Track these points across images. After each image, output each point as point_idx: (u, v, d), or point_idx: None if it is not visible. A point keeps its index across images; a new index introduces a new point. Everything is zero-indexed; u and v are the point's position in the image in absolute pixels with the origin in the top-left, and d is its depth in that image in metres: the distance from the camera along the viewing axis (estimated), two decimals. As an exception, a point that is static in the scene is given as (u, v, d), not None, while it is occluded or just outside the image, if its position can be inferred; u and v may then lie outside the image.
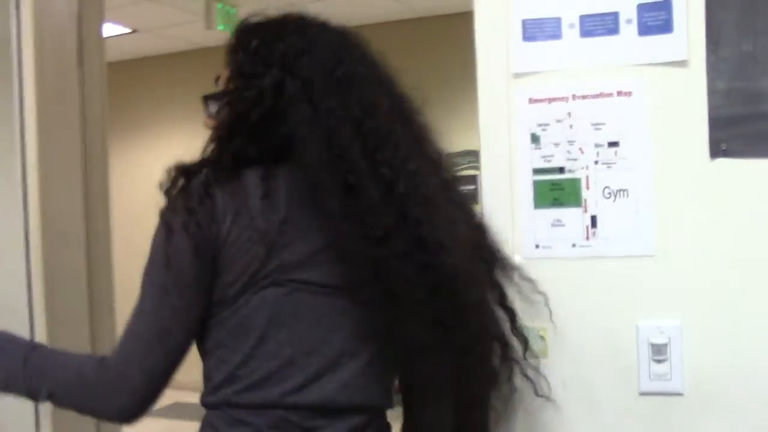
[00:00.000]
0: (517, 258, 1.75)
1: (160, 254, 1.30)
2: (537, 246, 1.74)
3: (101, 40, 2.56)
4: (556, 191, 1.72)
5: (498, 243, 1.64)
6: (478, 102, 1.80)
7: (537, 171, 1.74)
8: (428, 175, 1.38)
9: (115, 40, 6.72)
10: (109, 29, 6.27)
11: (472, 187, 6.26)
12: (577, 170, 1.72)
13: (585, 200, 1.71)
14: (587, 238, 1.71)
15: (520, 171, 1.75)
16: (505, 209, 1.76)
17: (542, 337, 1.73)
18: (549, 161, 1.73)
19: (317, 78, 1.32)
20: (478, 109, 1.80)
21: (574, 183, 1.71)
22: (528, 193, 1.75)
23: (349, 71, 1.35)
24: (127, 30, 6.63)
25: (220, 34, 5.62)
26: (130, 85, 7.37)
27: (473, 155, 6.66)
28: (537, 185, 1.74)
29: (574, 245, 1.72)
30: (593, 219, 1.70)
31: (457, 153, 6.33)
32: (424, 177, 1.35)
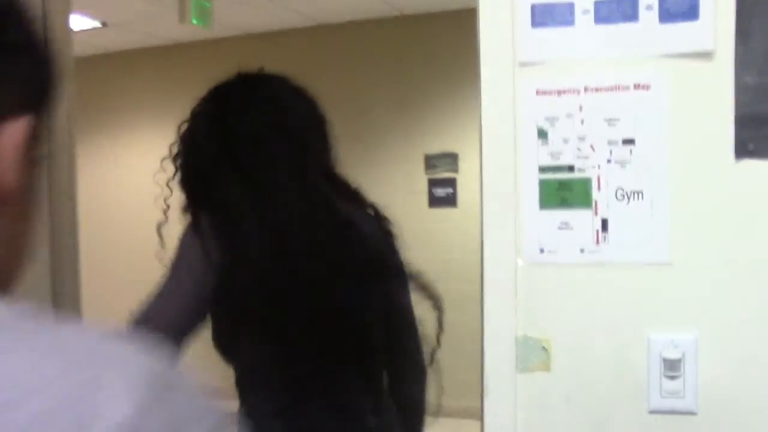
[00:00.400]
0: (519, 263, 1.62)
1: None
2: (542, 250, 1.61)
3: (69, 34, 2.39)
4: (564, 191, 1.59)
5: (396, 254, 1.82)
6: (480, 92, 1.66)
7: (544, 169, 1.61)
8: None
9: (83, 34, 6.49)
10: (78, 22, 6.00)
11: (450, 190, 6.17)
12: (588, 169, 1.58)
13: (595, 202, 1.58)
14: (597, 242, 1.58)
15: (525, 168, 1.62)
16: (508, 210, 1.62)
17: (545, 349, 1.60)
18: (557, 159, 1.60)
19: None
20: (479, 100, 1.66)
21: (584, 183, 1.58)
22: (533, 193, 1.61)
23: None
24: (97, 23, 6.40)
25: (194, 29, 5.45)
26: (99, 81, 7.13)
27: (451, 158, 6.59)
28: (543, 184, 1.61)
29: (582, 250, 1.59)
30: (604, 222, 1.57)
31: (435, 155, 6.24)
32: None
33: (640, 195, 1.56)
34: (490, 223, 1.64)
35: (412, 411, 1.92)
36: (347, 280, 1.72)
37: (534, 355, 1.60)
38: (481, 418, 1.65)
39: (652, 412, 1.55)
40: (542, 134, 1.60)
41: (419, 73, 6.16)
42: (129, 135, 7.37)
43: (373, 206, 1.85)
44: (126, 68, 7.32)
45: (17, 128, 0.56)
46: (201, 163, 1.74)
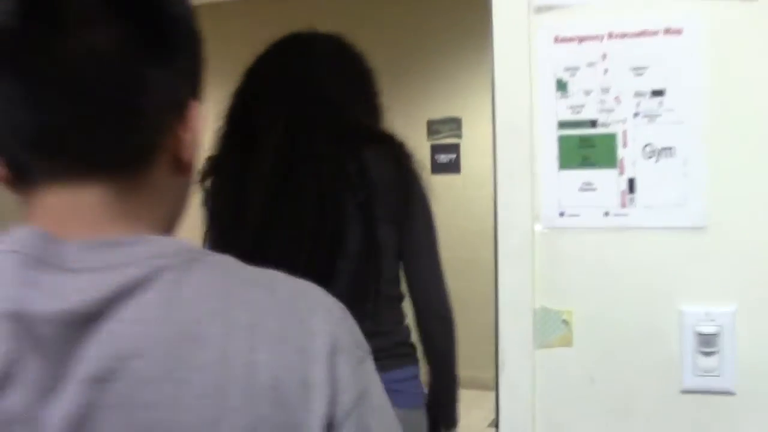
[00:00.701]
0: (537, 228, 1.46)
1: None
2: (562, 214, 1.46)
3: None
4: (587, 149, 1.44)
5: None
6: (491, 42, 1.50)
7: (563, 124, 1.46)
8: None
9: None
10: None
11: (453, 156, 5.96)
12: (613, 124, 1.43)
13: (621, 160, 1.43)
14: (623, 205, 1.43)
15: (543, 124, 1.47)
16: (524, 170, 1.47)
17: (566, 322, 1.45)
18: (578, 113, 1.45)
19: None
20: (491, 50, 1.50)
21: (609, 139, 1.43)
22: (552, 151, 1.46)
23: None
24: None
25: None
26: None
27: (455, 123, 6.39)
28: (563, 141, 1.46)
29: (606, 214, 1.44)
30: (631, 183, 1.43)
31: (438, 120, 6.05)
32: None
33: (671, 152, 1.41)
34: (504, 185, 1.48)
35: (434, 356, 1.84)
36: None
37: (553, 329, 1.46)
38: (496, 398, 1.51)
39: (684, 391, 1.41)
40: (561, 86, 1.45)
41: (421, 37, 5.97)
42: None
43: (395, 147, 1.78)
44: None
45: (193, 112, 0.68)
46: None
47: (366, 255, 1.67)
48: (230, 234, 1.71)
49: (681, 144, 1.40)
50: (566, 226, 1.46)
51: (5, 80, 0.61)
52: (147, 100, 0.64)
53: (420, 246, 1.78)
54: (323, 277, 1.42)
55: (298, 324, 0.65)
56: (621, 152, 1.43)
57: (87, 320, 0.57)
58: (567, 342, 1.46)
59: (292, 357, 0.63)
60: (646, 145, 1.41)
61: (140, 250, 0.62)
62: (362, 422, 0.65)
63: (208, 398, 0.59)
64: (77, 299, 0.58)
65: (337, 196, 1.66)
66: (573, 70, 1.44)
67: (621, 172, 1.43)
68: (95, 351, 0.57)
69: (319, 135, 1.70)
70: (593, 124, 1.44)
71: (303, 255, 1.65)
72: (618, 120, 1.43)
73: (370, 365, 0.69)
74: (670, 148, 1.40)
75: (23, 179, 0.65)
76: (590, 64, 1.44)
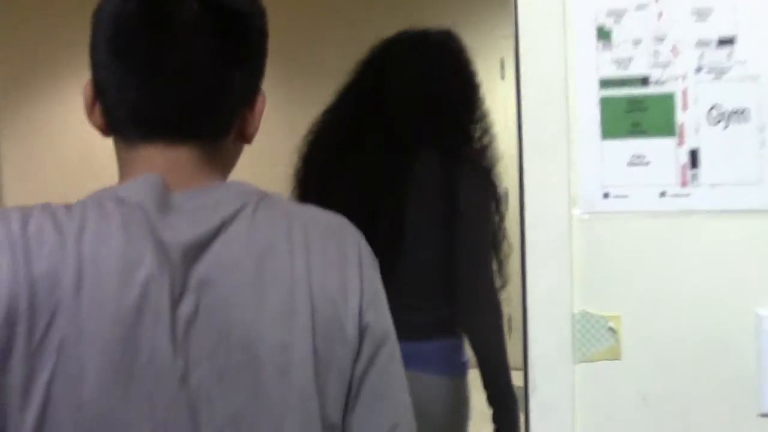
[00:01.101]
0: (575, 213, 1.19)
1: None
2: (606, 195, 1.20)
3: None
4: (637, 113, 1.18)
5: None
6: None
7: (606, 83, 1.19)
8: None
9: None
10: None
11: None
12: (669, 81, 1.16)
13: (681, 126, 1.16)
14: (683, 183, 1.17)
15: (581, 83, 1.20)
16: (558, 141, 1.20)
17: (613, 330, 1.19)
18: (625, 68, 1.18)
19: None
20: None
21: (665, 101, 1.16)
22: (593, 117, 1.19)
23: None
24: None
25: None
26: (23, 18, 5.57)
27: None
28: (606, 104, 1.19)
29: (663, 194, 1.17)
30: (693, 155, 1.16)
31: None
32: None
33: (744, 115, 1.15)
34: (532, 161, 1.21)
35: (479, 347, 1.85)
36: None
37: (597, 338, 1.20)
38: (526, 424, 1.23)
39: (764, 415, 1.14)
40: (603, 35, 1.19)
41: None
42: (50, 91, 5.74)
43: (482, 172, 1.86)
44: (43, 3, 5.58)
45: (260, 100, 0.92)
46: None
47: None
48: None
49: (756, 105, 1.14)
50: (612, 211, 1.20)
51: (127, 70, 0.84)
52: (230, 94, 0.87)
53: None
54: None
55: (336, 243, 0.88)
56: (680, 117, 1.16)
57: (199, 247, 0.80)
58: (614, 354, 1.20)
59: (335, 269, 0.86)
60: (711, 108, 1.15)
61: (226, 194, 0.85)
62: (379, 309, 0.89)
63: (279, 321, 0.82)
64: (191, 233, 0.80)
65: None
66: (618, 14, 1.18)
67: (680, 142, 1.16)
68: (204, 266, 0.80)
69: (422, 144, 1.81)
70: (644, 81, 1.17)
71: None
72: (676, 76, 1.16)
73: (378, 272, 0.92)
74: (742, 111, 1.14)
75: (124, 138, 0.87)
76: (640, 7, 1.17)
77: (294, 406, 0.81)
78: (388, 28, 1.88)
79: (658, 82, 1.16)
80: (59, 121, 5.60)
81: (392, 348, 0.89)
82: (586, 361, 1.20)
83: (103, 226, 0.78)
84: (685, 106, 1.16)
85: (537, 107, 1.20)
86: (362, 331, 0.86)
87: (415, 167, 1.79)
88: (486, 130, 1.91)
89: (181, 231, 0.80)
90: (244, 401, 0.80)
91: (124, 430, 0.76)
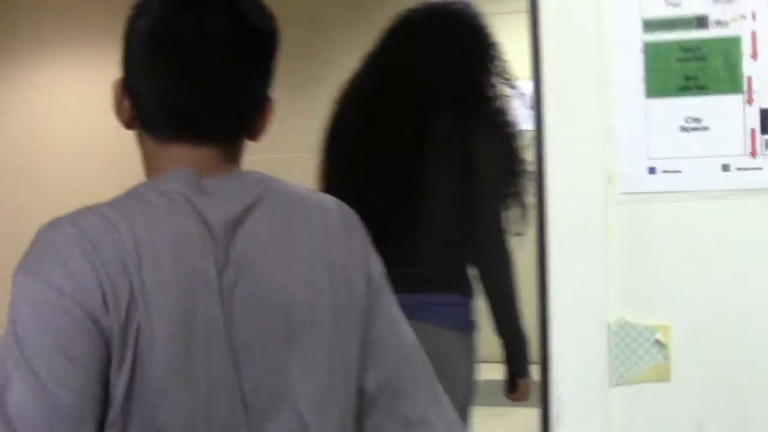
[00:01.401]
0: (612, 193, 0.97)
1: None
2: (652, 170, 1.01)
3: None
4: (692, 63, 1.00)
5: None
6: None
7: (652, 24, 1.00)
8: None
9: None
10: None
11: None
12: (734, 21, 0.98)
13: (749, 80, 0.98)
14: (753, 153, 0.99)
15: (620, 26, 1.01)
16: (591, 100, 1.01)
17: (661, 344, 1.00)
18: (677, 5, 0.99)
19: None
20: None
21: (727, 46, 0.99)
22: (635, 69, 1.01)
23: None
24: None
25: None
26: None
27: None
28: (652, 52, 1.01)
29: (726, 168, 0.99)
30: (765, 116, 0.98)
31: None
32: None
33: None
34: (555, 128, 1.00)
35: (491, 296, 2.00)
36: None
37: (641, 354, 1.00)
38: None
39: None
40: None
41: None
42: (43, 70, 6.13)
43: (497, 126, 1.96)
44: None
45: (269, 105, 1.02)
46: None
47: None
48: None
49: None
50: (659, 190, 1.02)
51: (168, 77, 0.97)
52: (251, 101, 1.02)
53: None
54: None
55: (339, 220, 1.03)
56: (748, 68, 0.98)
57: (234, 224, 0.94)
58: (663, 374, 1.01)
59: (342, 241, 1.01)
60: (789, 55, 0.92)
61: (246, 181, 1.00)
62: (376, 270, 1.04)
63: (305, 285, 0.97)
64: (228, 211, 0.95)
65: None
66: (667, -65, 0.94)
67: (749, 101, 0.99)
68: (240, 243, 0.94)
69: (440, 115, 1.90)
70: (701, 22, 0.99)
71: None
72: (742, 15, 0.98)
73: (369, 239, 1.07)
74: (828, 59, 0.91)
75: (156, 136, 0.99)
76: (695, -74, 0.94)
77: (321, 353, 0.96)
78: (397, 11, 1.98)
79: (719, 23, 0.99)
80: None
81: (391, 298, 1.06)
82: (625, 384, 1.03)
83: (150, 213, 0.92)
84: (754, 54, 0.98)
85: (563, 56, 1.00)
86: (368, 288, 1.02)
87: (434, 127, 1.90)
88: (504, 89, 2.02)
89: (219, 210, 0.94)
90: (280, 353, 0.95)
91: (189, 383, 0.90)
